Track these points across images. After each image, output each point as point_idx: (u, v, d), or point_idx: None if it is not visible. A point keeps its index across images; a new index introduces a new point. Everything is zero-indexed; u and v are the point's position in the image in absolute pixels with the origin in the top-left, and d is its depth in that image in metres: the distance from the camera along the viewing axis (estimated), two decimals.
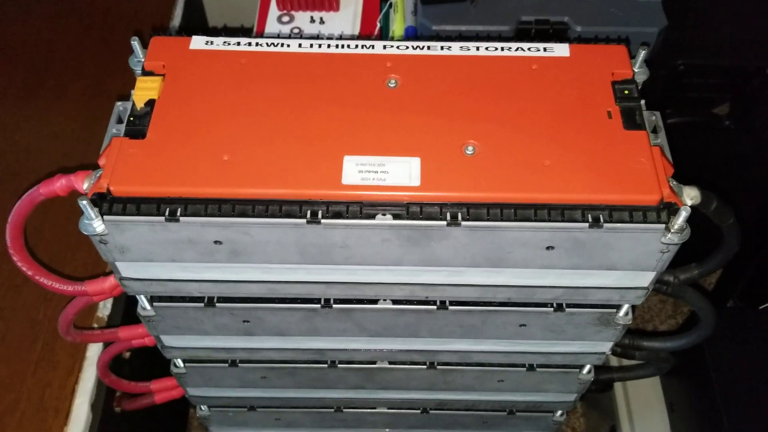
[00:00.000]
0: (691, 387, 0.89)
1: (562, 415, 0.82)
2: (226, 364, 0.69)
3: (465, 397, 0.77)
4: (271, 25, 0.79)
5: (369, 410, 0.82)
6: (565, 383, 0.73)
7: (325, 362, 0.70)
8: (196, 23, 1.17)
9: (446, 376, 0.72)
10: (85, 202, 0.47)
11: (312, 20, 0.79)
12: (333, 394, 0.77)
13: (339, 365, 0.70)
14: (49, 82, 1.04)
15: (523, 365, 0.70)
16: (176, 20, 1.06)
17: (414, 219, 0.49)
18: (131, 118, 0.52)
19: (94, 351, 0.80)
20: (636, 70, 0.56)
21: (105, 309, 0.84)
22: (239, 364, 0.69)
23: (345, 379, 0.73)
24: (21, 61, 1.06)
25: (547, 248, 0.51)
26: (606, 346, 0.66)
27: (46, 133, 0.98)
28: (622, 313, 0.60)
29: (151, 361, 0.77)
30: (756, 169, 1.01)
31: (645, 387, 0.99)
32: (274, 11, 0.81)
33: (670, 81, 0.91)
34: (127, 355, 0.87)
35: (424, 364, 0.70)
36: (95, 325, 0.82)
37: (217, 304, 0.59)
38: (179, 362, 0.70)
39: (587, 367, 0.71)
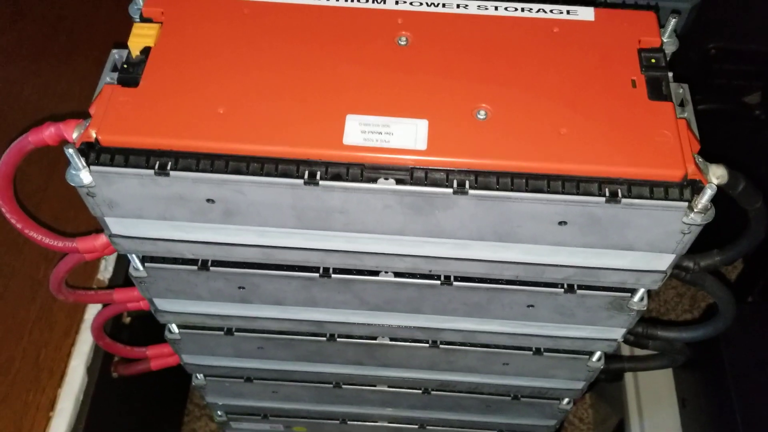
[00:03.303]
0: (704, 382, 0.87)
1: (568, 403, 0.80)
2: (222, 332, 0.67)
3: (468, 379, 0.75)
4: None
5: (369, 387, 0.80)
6: (572, 370, 0.70)
7: (324, 335, 0.68)
8: None
9: (449, 356, 0.70)
10: (71, 150, 0.45)
11: None
12: (331, 369, 0.75)
13: (338, 339, 0.68)
14: (60, 39, 1.03)
15: (529, 348, 0.68)
16: None
17: (418, 185, 0.46)
18: (125, 66, 0.49)
19: (91, 313, 0.79)
20: (665, 40, 0.52)
21: (106, 272, 0.83)
22: (235, 333, 0.68)
23: (344, 353, 0.70)
24: (32, 18, 1.05)
25: (560, 223, 0.48)
26: (618, 333, 0.63)
27: (55, 90, 0.98)
28: (636, 298, 0.57)
29: (151, 327, 0.76)
30: None
31: (656, 380, 0.98)
32: None
33: (700, 65, 0.87)
34: (128, 319, 0.86)
35: (426, 342, 0.68)
36: (94, 287, 0.81)
37: (210, 268, 0.57)
38: (174, 328, 0.68)
39: (597, 354, 0.68)
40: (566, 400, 0.79)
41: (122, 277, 0.83)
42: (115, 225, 0.52)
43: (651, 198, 0.46)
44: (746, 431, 0.76)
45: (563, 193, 0.46)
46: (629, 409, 1.01)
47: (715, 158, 0.49)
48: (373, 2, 0.53)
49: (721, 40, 0.85)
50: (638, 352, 0.83)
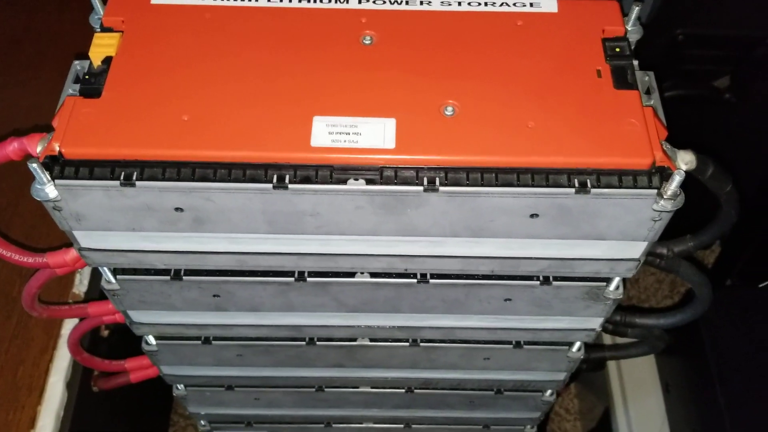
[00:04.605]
0: (687, 367, 0.87)
1: (551, 394, 0.80)
2: (199, 342, 0.67)
3: (450, 375, 0.75)
4: None
5: (351, 389, 0.79)
6: (553, 361, 0.70)
7: (303, 339, 0.67)
8: None
9: (430, 354, 0.69)
10: (35, 165, 0.44)
11: None
12: (313, 372, 0.74)
13: (317, 342, 0.67)
14: (27, 51, 1.01)
15: (509, 342, 0.67)
16: None
17: (388, 184, 0.46)
18: (86, 77, 0.48)
19: (68, 328, 0.78)
20: (629, 28, 0.52)
21: (81, 285, 0.82)
22: (213, 342, 0.67)
23: (324, 357, 0.70)
24: None
25: (531, 216, 0.48)
26: (596, 323, 0.63)
27: (23, 103, 0.95)
28: (612, 287, 0.57)
29: (130, 339, 0.75)
30: (757, 145, 0.98)
31: (639, 367, 0.98)
32: None
33: (669, 51, 0.87)
34: (106, 333, 0.85)
35: (407, 341, 0.68)
36: (70, 301, 0.80)
37: (183, 278, 0.56)
38: (150, 339, 0.67)
39: (577, 345, 0.68)
40: (549, 391, 0.79)
41: (98, 290, 0.82)
42: (84, 238, 0.51)
43: (620, 187, 0.46)
44: (729, 412, 0.76)
45: (533, 186, 0.46)
46: (614, 397, 1.01)
47: (685, 144, 0.49)
48: (336, 2, 0.53)
49: (688, 25, 0.86)
50: (619, 340, 0.83)
